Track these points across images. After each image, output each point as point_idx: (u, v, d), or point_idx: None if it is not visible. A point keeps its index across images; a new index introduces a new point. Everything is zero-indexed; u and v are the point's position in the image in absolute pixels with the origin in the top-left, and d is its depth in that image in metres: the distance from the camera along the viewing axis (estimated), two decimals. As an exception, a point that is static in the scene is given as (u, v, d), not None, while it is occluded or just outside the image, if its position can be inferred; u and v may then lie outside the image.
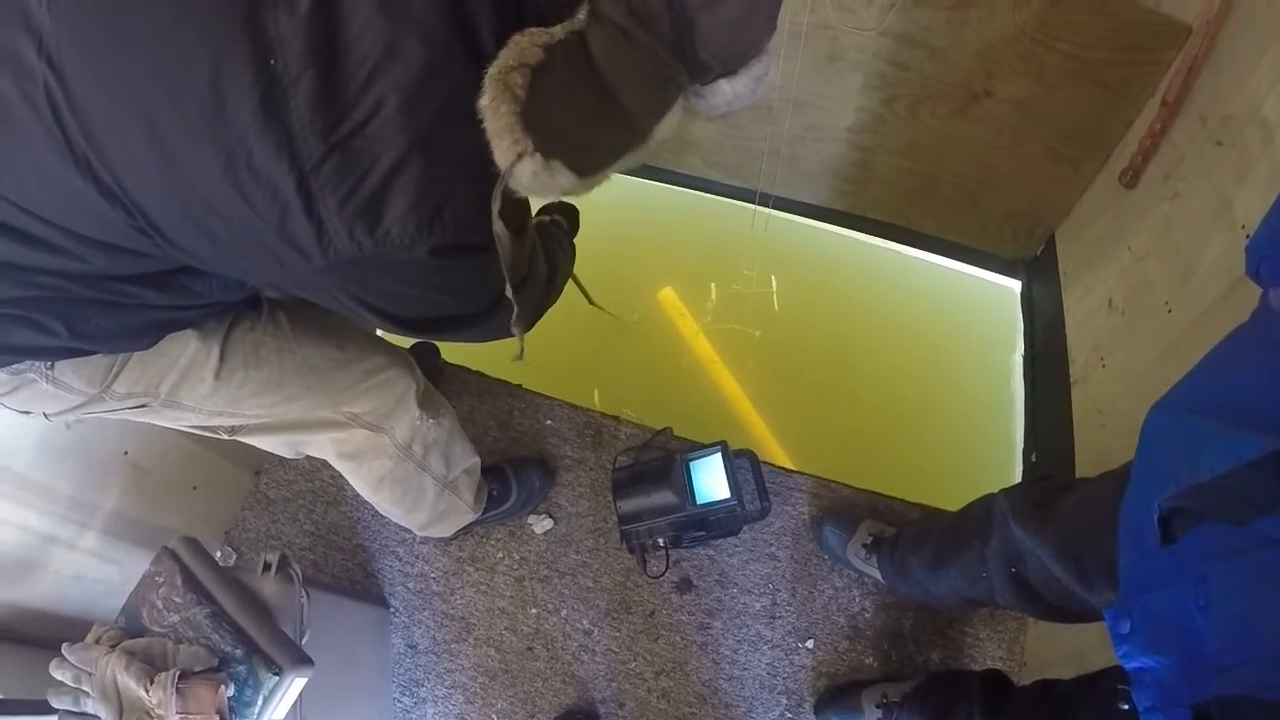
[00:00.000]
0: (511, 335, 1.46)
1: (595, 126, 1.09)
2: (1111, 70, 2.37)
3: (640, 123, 1.11)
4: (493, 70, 0.99)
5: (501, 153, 1.02)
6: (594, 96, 1.05)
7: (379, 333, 2.08)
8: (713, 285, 3.85)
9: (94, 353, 1.42)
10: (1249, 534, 0.92)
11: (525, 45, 0.99)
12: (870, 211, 3.40)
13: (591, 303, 2.18)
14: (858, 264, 3.79)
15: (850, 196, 3.34)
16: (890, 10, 2.43)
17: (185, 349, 1.54)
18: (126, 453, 2.25)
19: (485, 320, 1.40)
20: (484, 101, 0.99)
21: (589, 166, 1.10)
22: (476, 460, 2.31)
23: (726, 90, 1.13)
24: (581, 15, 1.01)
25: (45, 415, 1.53)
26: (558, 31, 1.01)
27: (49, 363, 1.39)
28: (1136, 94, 2.40)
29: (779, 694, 2.43)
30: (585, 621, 2.56)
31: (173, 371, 1.55)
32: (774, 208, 3.32)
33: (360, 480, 2.08)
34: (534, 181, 1.04)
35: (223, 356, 1.59)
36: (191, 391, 1.59)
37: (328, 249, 1.05)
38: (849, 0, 2.47)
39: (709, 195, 3.59)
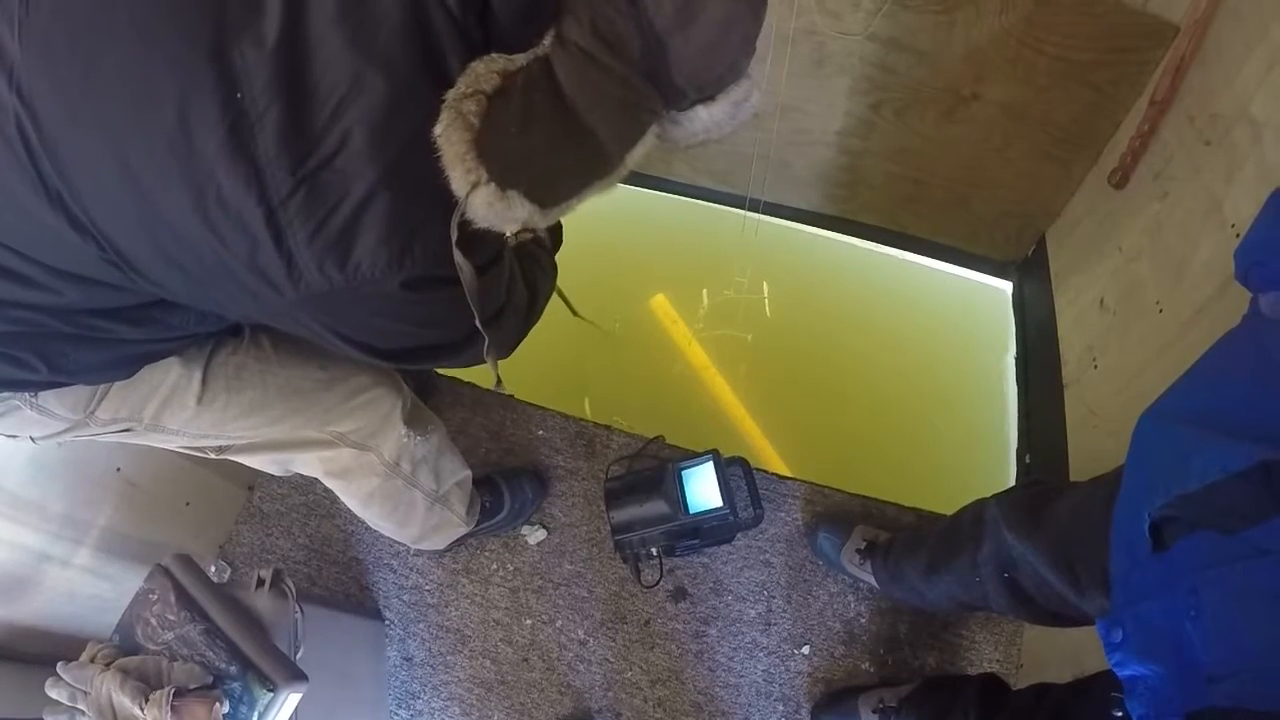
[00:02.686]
0: (487, 354, 1.46)
1: (559, 155, 1.06)
2: (1099, 71, 2.37)
3: (611, 151, 1.08)
4: (448, 97, 0.98)
5: (456, 182, 1.00)
6: (559, 124, 1.02)
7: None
8: (704, 292, 3.86)
9: (74, 384, 1.41)
10: (1239, 543, 0.92)
11: (481, 72, 0.98)
12: (861, 215, 3.40)
13: (575, 314, 2.18)
14: (849, 268, 3.79)
15: (840, 201, 3.34)
16: (877, 15, 2.43)
17: (167, 375, 1.53)
18: (119, 469, 2.25)
19: (463, 349, 1.38)
20: (438, 130, 0.98)
21: (550, 197, 1.07)
22: (468, 473, 2.29)
23: (704, 117, 1.10)
24: (547, 41, 0.99)
25: (32, 439, 1.53)
26: (519, 58, 1.00)
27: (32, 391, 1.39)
28: (1125, 94, 2.40)
29: (776, 701, 2.43)
30: (580, 631, 2.55)
31: (155, 397, 1.55)
32: (764, 213, 3.32)
33: (350, 497, 2.07)
34: (489, 212, 1.02)
35: (205, 381, 1.58)
36: (175, 416, 1.59)
37: (298, 282, 1.05)
38: (835, 5, 2.47)
39: (699, 202, 3.58)
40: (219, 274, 1.07)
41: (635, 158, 1.12)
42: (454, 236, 1.07)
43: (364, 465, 1.97)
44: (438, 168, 1.00)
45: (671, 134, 1.14)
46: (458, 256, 1.09)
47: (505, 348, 1.50)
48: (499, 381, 1.49)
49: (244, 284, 1.08)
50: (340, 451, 1.91)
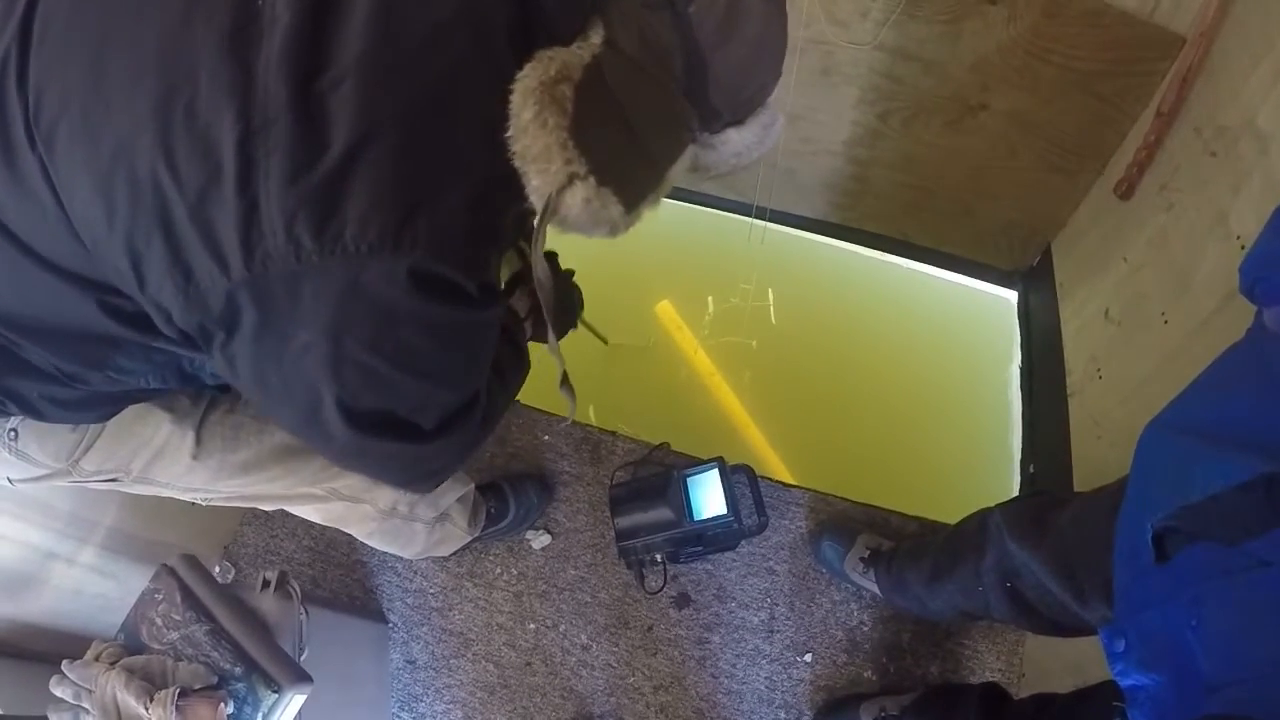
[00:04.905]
0: (436, 481, 1.30)
1: (628, 159, 1.01)
2: (1106, 81, 2.38)
3: (659, 162, 1.05)
4: (529, 82, 0.92)
5: (548, 176, 0.93)
6: (622, 128, 0.98)
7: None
8: (710, 299, 3.85)
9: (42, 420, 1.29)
10: (1240, 554, 0.92)
11: (566, 59, 0.94)
12: (866, 224, 3.41)
13: (606, 342, 2.16)
14: (854, 277, 3.79)
15: (846, 210, 3.35)
16: (885, 25, 2.44)
17: (159, 430, 1.46)
18: (125, 469, 2.25)
19: (429, 442, 1.14)
20: (526, 116, 0.91)
21: (631, 200, 1.01)
22: (469, 488, 2.28)
23: (736, 140, 1.09)
24: (597, 41, 0.96)
25: (10, 481, 1.42)
26: (584, 54, 0.95)
27: (12, 432, 1.31)
28: (1131, 105, 2.41)
29: (777, 708, 2.43)
30: (583, 636, 2.56)
31: (145, 451, 1.47)
32: (770, 221, 3.33)
33: (350, 531, 2.03)
34: (584, 210, 0.95)
35: (199, 440, 1.50)
36: (166, 471, 1.53)
37: (254, 249, 0.85)
38: (843, 15, 2.47)
39: (705, 209, 3.59)
40: (152, 220, 0.88)
41: (674, 176, 1.09)
42: (542, 245, 1.01)
43: (359, 514, 1.92)
44: (463, 136, 0.92)
45: (704, 159, 1.12)
46: (539, 270, 1.04)
47: (471, 444, 1.26)
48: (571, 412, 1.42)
49: (178, 247, 0.88)
50: (333, 504, 1.86)
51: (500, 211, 1.00)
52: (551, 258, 1.80)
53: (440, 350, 1.04)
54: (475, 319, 1.04)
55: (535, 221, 0.99)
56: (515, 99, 0.92)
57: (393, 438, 1.09)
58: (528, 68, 0.93)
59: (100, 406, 1.32)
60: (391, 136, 0.86)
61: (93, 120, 0.88)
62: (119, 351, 1.13)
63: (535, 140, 0.91)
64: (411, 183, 0.88)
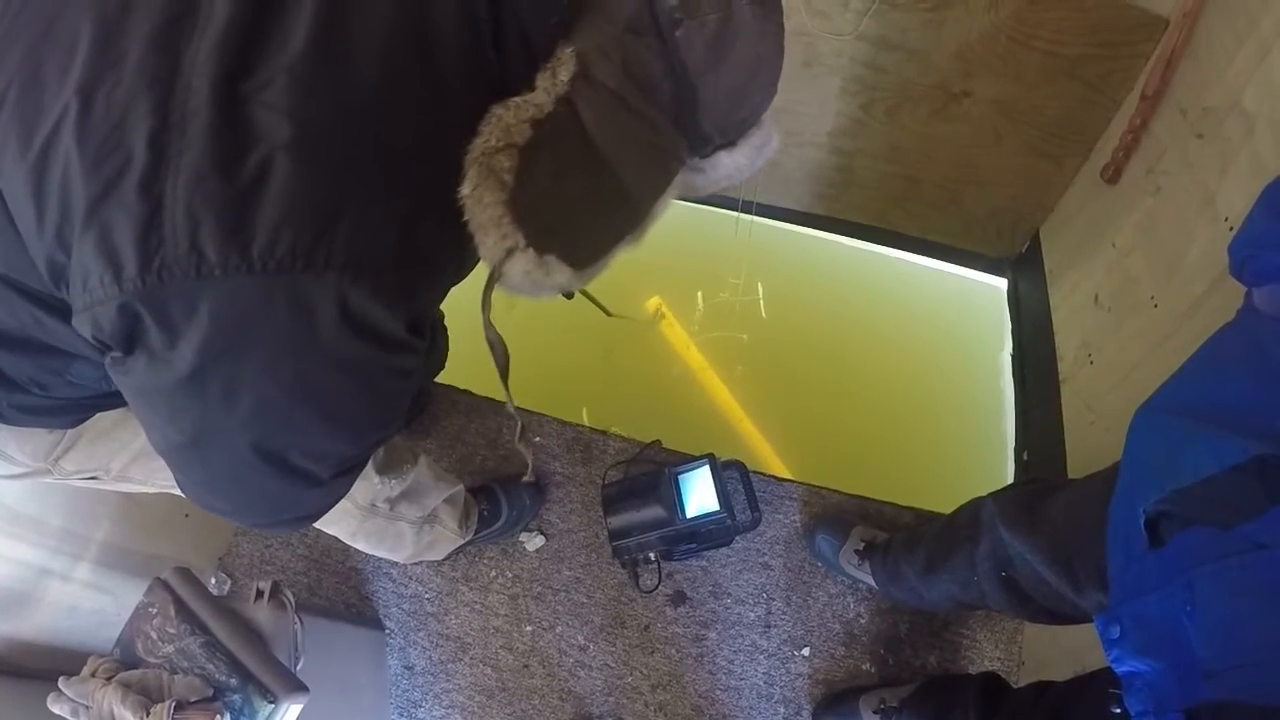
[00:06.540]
0: (299, 526, 1.27)
1: (591, 211, 0.97)
2: (1090, 65, 2.38)
3: (639, 202, 0.99)
4: (474, 151, 0.88)
5: (488, 249, 0.90)
6: (589, 175, 0.93)
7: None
8: (699, 294, 3.85)
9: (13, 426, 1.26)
10: (1234, 538, 0.92)
11: (511, 122, 0.88)
12: (853, 215, 3.40)
13: (609, 314, 2.14)
14: (843, 268, 3.79)
15: (833, 201, 3.34)
16: (866, 14, 2.43)
17: (138, 435, 1.44)
18: (116, 483, 2.24)
19: (321, 487, 1.11)
20: (465, 190, 0.87)
21: (586, 257, 0.97)
22: (458, 489, 2.25)
23: (728, 163, 1.04)
24: (564, 78, 0.89)
25: None
26: (544, 101, 0.89)
27: None
28: (1116, 89, 2.41)
29: (777, 703, 2.43)
30: (580, 637, 2.55)
31: (125, 453, 1.47)
32: (757, 214, 3.32)
33: (334, 533, 2.01)
34: (525, 280, 0.92)
35: None
36: (143, 468, 1.53)
37: (152, 256, 0.78)
38: (824, 5, 2.47)
39: (691, 204, 3.57)
40: (72, 213, 0.81)
41: (662, 208, 1.03)
42: (488, 312, 0.98)
43: (338, 511, 1.85)
44: (394, 154, 0.86)
45: (694, 182, 1.07)
46: (490, 332, 1.00)
47: (344, 492, 1.23)
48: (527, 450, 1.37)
49: (71, 237, 0.82)
50: None
51: (435, 242, 0.94)
52: None
53: (349, 392, 0.98)
54: (390, 362, 0.97)
55: (483, 287, 0.97)
56: (464, 170, 0.89)
57: (281, 477, 1.04)
58: (481, 131, 0.89)
59: (68, 414, 1.30)
60: (315, 148, 0.80)
61: (28, 107, 0.83)
62: (75, 360, 1.08)
63: (475, 215, 0.89)
64: (332, 199, 0.81)
